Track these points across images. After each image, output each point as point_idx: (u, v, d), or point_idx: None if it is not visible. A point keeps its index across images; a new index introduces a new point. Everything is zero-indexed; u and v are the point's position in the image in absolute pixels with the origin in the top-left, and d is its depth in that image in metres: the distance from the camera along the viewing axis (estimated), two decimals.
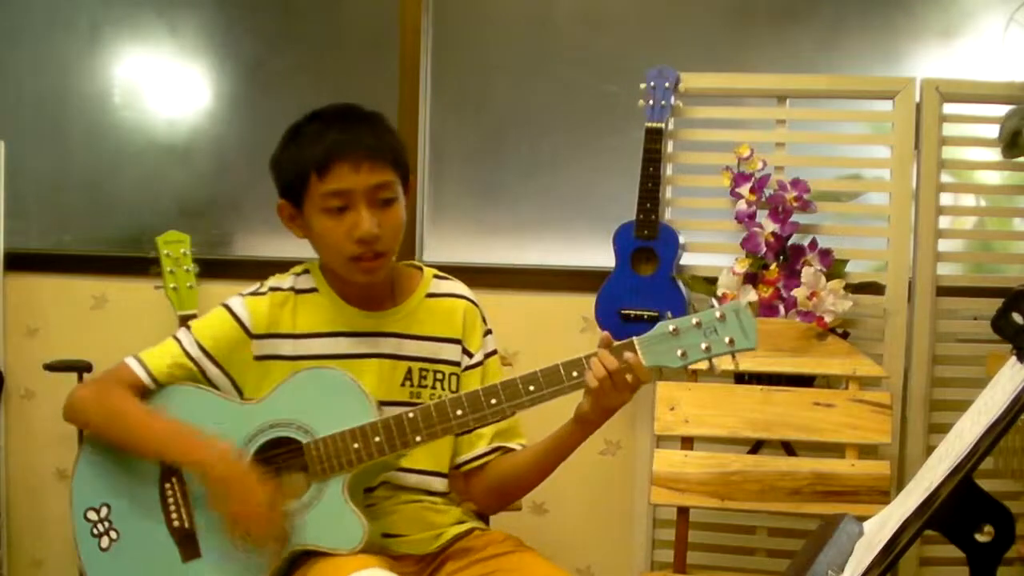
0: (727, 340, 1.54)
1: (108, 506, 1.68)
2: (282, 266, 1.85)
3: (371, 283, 1.73)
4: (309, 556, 1.61)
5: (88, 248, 3.07)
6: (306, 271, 1.79)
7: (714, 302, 1.61)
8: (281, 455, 1.67)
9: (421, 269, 1.85)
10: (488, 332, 1.85)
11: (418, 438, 1.61)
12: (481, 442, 1.81)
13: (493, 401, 1.60)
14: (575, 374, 1.58)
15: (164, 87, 3.09)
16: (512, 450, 1.82)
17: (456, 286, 1.85)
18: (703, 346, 1.55)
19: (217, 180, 3.10)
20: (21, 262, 2.94)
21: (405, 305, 1.79)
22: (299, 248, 1.79)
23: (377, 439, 1.60)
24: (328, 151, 1.64)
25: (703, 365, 1.57)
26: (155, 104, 3.10)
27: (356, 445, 1.60)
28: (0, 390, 2.89)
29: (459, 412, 1.61)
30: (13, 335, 2.94)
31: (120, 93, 3.10)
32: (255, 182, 3.00)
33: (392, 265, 1.75)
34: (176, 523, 1.65)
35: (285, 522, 1.59)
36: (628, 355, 1.55)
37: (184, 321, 2.51)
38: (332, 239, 1.67)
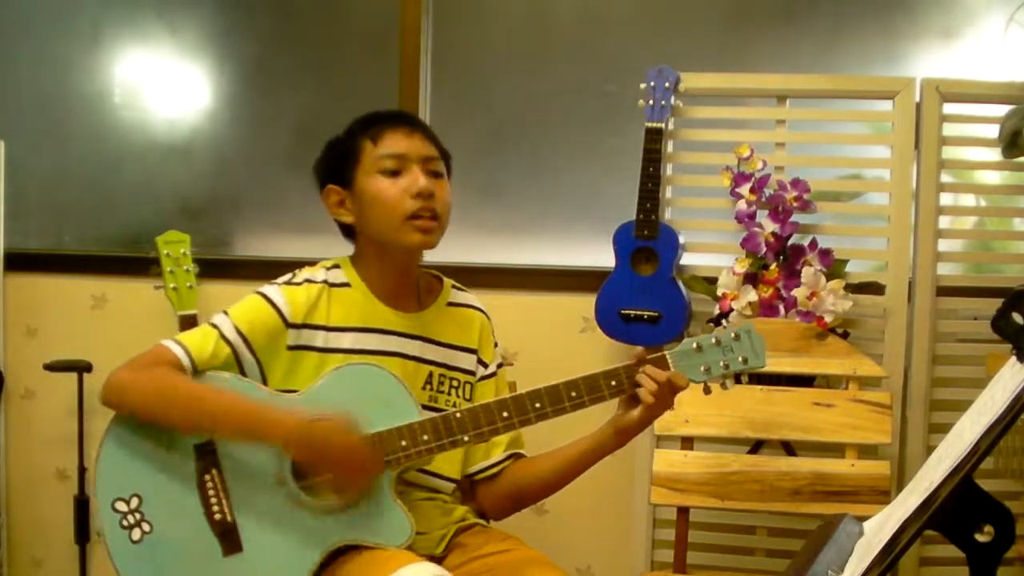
0: (741, 359, 1.67)
1: (139, 497, 1.63)
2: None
3: (424, 246, 1.73)
4: (352, 549, 1.61)
5: (88, 248, 3.06)
6: (336, 266, 1.79)
7: (724, 322, 1.67)
8: None
9: (440, 279, 1.88)
10: (496, 344, 1.90)
11: (466, 438, 1.63)
12: (497, 450, 1.83)
13: (537, 405, 1.63)
14: (613, 383, 1.64)
15: (164, 87, 3.09)
16: (523, 456, 1.84)
17: (472, 298, 1.90)
18: (722, 363, 1.68)
19: (217, 180, 3.09)
20: (21, 262, 2.93)
21: (430, 311, 1.81)
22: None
23: (425, 437, 1.62)
24: (381, 124, 1.73)
25: (717, 383, 1.68)
26: (155, 104, 3.09)
27: (404, 443, 1.61)
28: (0, 390, 2.89)
29: (505, 415, 1.63)
30: (13, 335, 2.94)
31: (120, 93, 3.10)
32: (255, 182, 3.02)
33: (417, 264, 1.80)
34: (217, 516, 1.62)
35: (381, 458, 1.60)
36: (669, 367, 1.64)
37: (184, 321, 2.52)
38: (389, 198, 1.70)
